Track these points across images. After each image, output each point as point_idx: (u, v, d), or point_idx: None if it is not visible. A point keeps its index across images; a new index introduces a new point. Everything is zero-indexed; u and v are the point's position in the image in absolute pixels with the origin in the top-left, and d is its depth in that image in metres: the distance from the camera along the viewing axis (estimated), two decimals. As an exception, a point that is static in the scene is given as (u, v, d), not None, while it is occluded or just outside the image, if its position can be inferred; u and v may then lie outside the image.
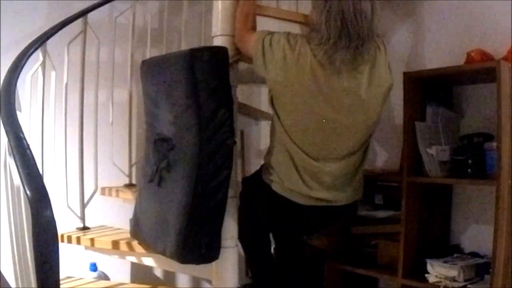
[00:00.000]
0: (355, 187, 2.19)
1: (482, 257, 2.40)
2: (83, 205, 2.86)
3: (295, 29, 2.43)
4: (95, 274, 3.13)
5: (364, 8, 1.91)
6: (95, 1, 2.88)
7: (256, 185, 2.27)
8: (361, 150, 2.15)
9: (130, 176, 3.17)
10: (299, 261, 2.52)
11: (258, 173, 2.29)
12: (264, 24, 2.27)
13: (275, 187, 2.15)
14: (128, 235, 2.62)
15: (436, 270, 2.33)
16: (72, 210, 2.80)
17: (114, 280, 3.16)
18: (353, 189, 2.19)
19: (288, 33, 2.08)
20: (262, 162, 2.30)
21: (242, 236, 2.30)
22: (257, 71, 2.14)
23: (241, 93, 2.41)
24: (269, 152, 2.22)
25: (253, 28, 2.21)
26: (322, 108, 2.02)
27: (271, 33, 2.10)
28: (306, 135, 2.07)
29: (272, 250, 2.49)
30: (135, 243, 2.56)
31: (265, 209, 2.27)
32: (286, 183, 2.13)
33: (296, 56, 2.00)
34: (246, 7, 2.19)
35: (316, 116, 2.03)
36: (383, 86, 2.06)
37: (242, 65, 2.37)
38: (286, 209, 2.18)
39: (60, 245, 1.53)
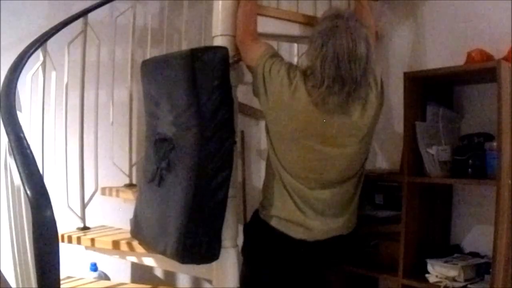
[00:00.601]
0: (349, 215, 2.21)
1: (482, 257, 2.40)
2: (84, 205, 2.86)
3: (296, 29, 2.43)
4: (95, 274, 3.13)
5: (359, 53, 1.92)
6: (96, 1, 2.88)
7: (256, 228, 2.28)
8: (355, 177, 2.18)
9: (130, 176, 3.17)
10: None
11: (256, 214, 2.30)
12: (264, 24, 2.26)
13: (273, 222, 2.16)
14: (129, 235, 2.62)
15: (436, 270, 2.33)
16: (73, 210, 2.80)
17: (114, 280, 3.16)
18: (348, 218, 2.20)
19: (290, 65, 2.11)
20: (263, 164, 2.30)
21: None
22: (255, 93, 2.17)
23: (242, 93, 2.40)
24: (265, 184, 2.26)
25: (255, 31, 2.21)
26: (314, 142, 2.07)
27: (274, 56, 2.13)
28: (298, 165, 2.11)
29: None
30: (135, 243, 2.57)
31: (268, 256, 2.23)
32: (282, 213, 2.14)
33: (292, 91, 2.03)
34: (248, 7, 2.19)
35: (308, 149, 2.08)
36: (372, 117, 2.10)
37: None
38: (286, 250, 2.18)
39: (61, 245, 1.53)
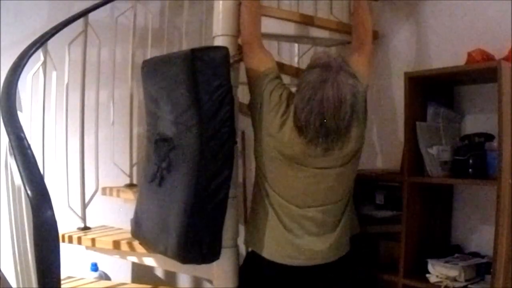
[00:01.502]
0: (339, 234, 2.20)
1: (483, 257, 2.40)
2: (84, 205, 2.86)
3: (296, 29, 2.43)
4: (96, 274, 3.13)
5: (345, 108, 1.92)
6: (96, 1, 2.88)
7: (249, 267, 2.28)
8: (344, 198, 2.20)
9: (131, 176, 3.17)
10: None
11: (247, 254, 2.32)
12: (265, 24, 2.26)
13: (265, 253, 2.16)
14: (129, 235, 2.62)
15: (437, 270, 2.33)
16: (73, 210, 2.80)
17: (115, 280, 3.16)
18: (337, 237, 2.19)
19: (290, 93, 2.12)
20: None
21: None
22: (251, 106, 2.19)
23: (242, 93, 2.41)
24: (252, 211, 2.27)
25: (260, 30, 2.21)
26: (299, 166, 2.08)
27: (277, 78, 2.16)
28: (286, 185, 2.13)
29: None
30: (136, 243, 2.57)
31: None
32: (272, 239, 2.15)
33: (283, 120, 2.07)
34: (253, 6, 2.19)
35: (295, 169, 2.09)
36: (357, 143, 2.12)
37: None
38: (282, 282, 2.18)
39: (61, 245, 1.53)
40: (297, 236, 2.14)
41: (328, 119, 1.92)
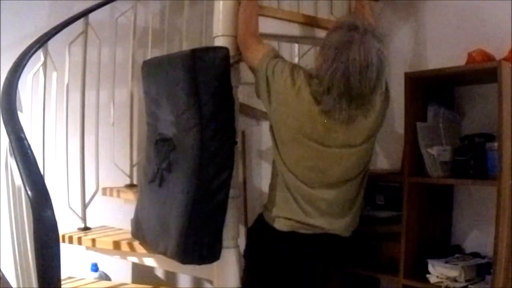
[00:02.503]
0: (353, 216, 2.19)
1: (483, 257, 2.40)
2: (84, 206, 2.86)
3: (297, 29, 2.43)
4: (96, 274, 3.13)
5: (371, 70, 1.87)
6: (96, 2, 2.88)
7: (259, 231, 2.27)
8: (358, 177, 2.16)
9: (131, 176, 3.18)
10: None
11: (259, 217, 2.28)
12: (265, 24, 2.26)
13: (277, 223, 2.14)
14: (129, 236, 2.63)
15: (437, 271, 2.33)
16: (73, 211, 2.80)
17: (115, 280, 3.16)
18: (351, 218, 2.19)
19: (293, 66, 2.09)
20: (264, 165, 2.30)
21: None
22: (258, 94, 2.16)
23: (242, 94, 2.41)
24: (270, 185, 2.24)
25: (256, 31, 2.21)
26: (317, 142, 2.04)
27: (276, 57, 2.12)
28: (301, 165, 2.09)
29: None
30: (136, 243, 2.57)
31: (271, 260, 2.21)
32: (285, 213, 2.13)
33: (296, 92, 2.01)
34: (249, 8, 2.19)
35: (310, 149, 2.05)
36: (377, 119, 2.08)
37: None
38: (289, 251, 2.16)
39: (61, 245, 1.53)
40: (311, 216, 2.11)
41: (353, 82, 1.86)
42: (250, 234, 2.34)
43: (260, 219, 2.25)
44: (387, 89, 2.14)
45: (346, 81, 1.87)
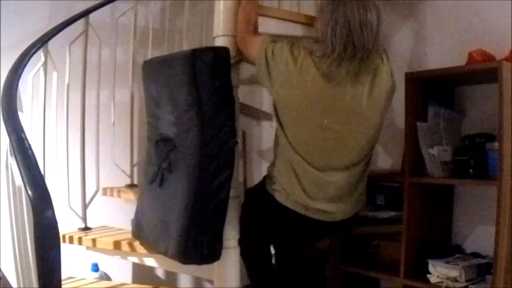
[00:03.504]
0: (357, 198, 2.20)
1: (483, 257, 2.40)
2: (85, 206, 2.86)
3: (296, 30, 2.43)
4: (96, 274, 3.13)
5: (370, 20, 1.91)
6: (97, 2, 2.88)
7: (260, 195, 2.26)
8: (364, 161, 2.15)
9: (131, 176, 3.17)
10: (300, 268, 2.48)
11: (261, 184, 2.27)
12: (265, 24, 2.27)
13: (279, 197, 2.14)
14: (130, 236, 2.62)
15: (437, 271, 2.33)
16: (74, 211, 2.80)
17: (115, 280, 3.16)
18: (355, 200, 2.19)
19: (292, 44, 2.08)
20: (264, 165, 2.29)
21: (244, 247, 2.28)
22: (260, 81, 2.15)
23: (243, 94, 2.41)
24: (273, 163, 2.22)
25: (255, 29, 2.20)
26: (324, 120, 2.03)
27: (274, 41, 2.11)
28: (309, 146, 2.08)
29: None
30: (136, 243, 2.57)
31: (268, 218, 2.24)
32: (289, 194, 2.12)
33: (299, 68, 2.01)
34: (248, 8, 2.19)
35: (318, 127, 2.04)
36: (384, 94, 2.07)
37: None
38: (287, 219, 2.17)
39: (62, 245, 1.53)
40: (315, 200, 2.10)
41: (353, 30, 1.89)
42: (250, 195, 2.34)
43: (261, 187, 2.25)
44: (392, 73, 2.12)
45: (348, 30, 1.90)
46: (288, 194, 2.12)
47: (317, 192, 2.10)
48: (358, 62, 1.95)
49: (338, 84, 1.98)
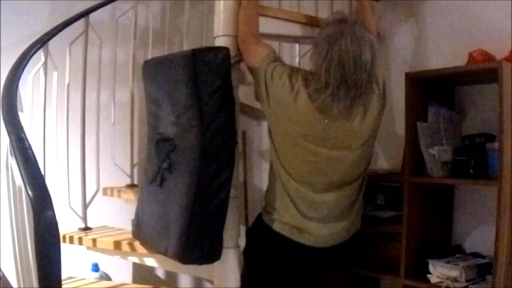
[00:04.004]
0: (351, 221, 2.20)
1: (484, 257, 2.40)
2: (85, 206, 2.86)
3: (297, 29, 2.43)
4: (97, 274, 3.13)
5: (365, 58, 1.90)
6: (97, 2, 2.88)
7: (259, 232, 2.26)
8: (358, 180, 2.17)
9: (132, 176, 3.17)
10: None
11: (259, 217, 2.28)
12: (265, 24, 2.26)
13: (276, 226, 2.14)
14: (130, 236, 2.62)
15: (438, 271, 2.33)
16: (74, 211, 2.80)
17: (116, 280, 3.16)
18: (349, 224, 2.19)
19: (291, 70, 2.09)
20: (264, 164, 2.29)
21: None
22: (257, 96, 2.17)
23: (243, 94, 2.41)
24: (268, 190, 2.24)
25: (257, 29, 2.21)
26: (317, 145, 2.05)
27: (276, 60, 2.12)
28: (302, 168, 2.10)
29: None
30: (137, 243, 2.57)
31: (270, 260, 2.21)
32: (285, 219, 2.13)
33: (294, 96, 2.02)
34: (249, 7, 2.19)
35: (309, 151, 2.06)
36: (374, 119, 2.09)
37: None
38: (285, 248, 2.16)
39: (62, 245, 1.53)
40: (311, 220, 2.11)
41: (347, 70, 1.89)
42: (249, 234, 2.34)
43: (259, 220, 2.25)
44: (384, 89, 2.15)
45: (342, 70, 1.89)
46: (284, 223, 2.13)
47: (310, 211, 2.11)
48: (351, 99, 1.96)
49: (330, 118, 2.00)
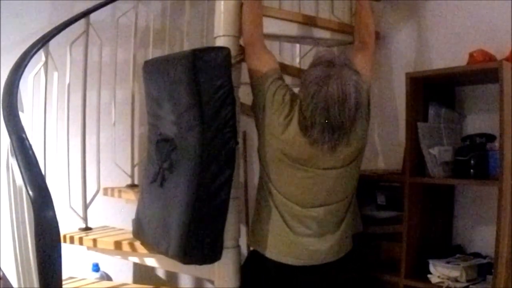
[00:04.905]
0: (340, 237, 2.21)
1: (484, 257, 2.40)
2: (86, 206, 2.86)
3: (298, 29, 2.43)
4: (97, 274, 3.14)
5: (350, 103, 1.93)
6: (98, 2, 2.88)
7: (252, 264, 2.29)
8: (347, 198, 2.21)
9: (132, 176, 3.18)
10: None
11: (249, 253, 2.32)
12: (266, 24, 2.26)
13: (268, 252, 2.17)
14: (131, 236, 2.63)
15: (438, 271, 2.33)
16: (75, 211, 2.80)
17: (116, 280, 3.16)
18: (339, 238, 2.21)
19: (293, 94, 2.14)
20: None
21: None
22: (253, 109, 2.21)
23: (244, 94, 2.41)
24: (254, 215, 2.28)
25: (262, 31, 2.21)
26: (300, 166, 2.10)
27: (280, 79, 2.17)
28: (290, 186, 2.14)
29: None
30: (137, 243, 2.57)
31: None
32: (275, 238, 2.16)
33: (287, 122, 2.08)
34: (255, 7, 2.19)
35: (299, 170, 2.11)
36: (360, 140, 2.14)
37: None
38: (281, 276, 2.18)
39: (63, 245, 1.53)
40: (300, 235, 2.15)
41: (333, 115, 1.93)
42: (243, 269, 2.34)
43: (251, 254, 2.30)
44: (369, 107, 2.19)
45: (327, 114, 1.94)
46: (273, 240, 2.16)
47: (300, 226, 2.15)
48: (336, 140, 2.01)
49: (316, 148, 2.04)
